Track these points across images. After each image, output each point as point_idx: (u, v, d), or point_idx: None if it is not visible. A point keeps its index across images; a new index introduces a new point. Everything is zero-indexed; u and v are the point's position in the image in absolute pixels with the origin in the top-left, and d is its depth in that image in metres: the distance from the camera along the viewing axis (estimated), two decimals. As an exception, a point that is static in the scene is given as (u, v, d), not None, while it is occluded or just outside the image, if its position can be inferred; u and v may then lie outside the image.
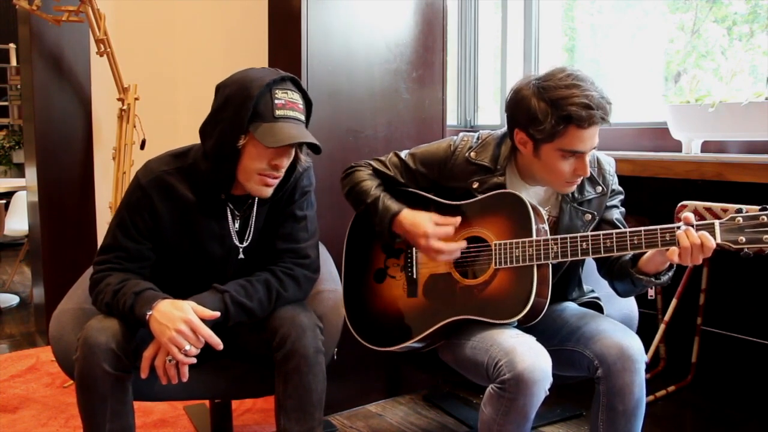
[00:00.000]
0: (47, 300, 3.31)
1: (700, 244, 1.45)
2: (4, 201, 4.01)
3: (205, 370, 1.66)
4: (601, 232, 1.57)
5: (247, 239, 1.75)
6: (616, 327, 1.66)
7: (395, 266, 1.87)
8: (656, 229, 1.50)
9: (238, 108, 1.55)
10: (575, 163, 1.62)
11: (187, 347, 1.52)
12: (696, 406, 2.53)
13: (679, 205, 2.27)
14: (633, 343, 1.59)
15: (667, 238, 1.49)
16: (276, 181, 1.65)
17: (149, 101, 3.05)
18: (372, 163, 1.91)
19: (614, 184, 1.79)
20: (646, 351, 1.66)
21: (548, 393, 1.53)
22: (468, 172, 1.77)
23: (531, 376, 1.49)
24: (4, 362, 3.03)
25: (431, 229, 1.72)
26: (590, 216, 1.74)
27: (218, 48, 3.02)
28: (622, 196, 1.82)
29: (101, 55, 2.94)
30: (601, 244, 1.56)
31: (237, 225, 1.73)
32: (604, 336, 1.62)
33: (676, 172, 2.31)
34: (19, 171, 6.11)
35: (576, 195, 1.75)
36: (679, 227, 1.48)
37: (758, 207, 1.45)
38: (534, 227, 1.63)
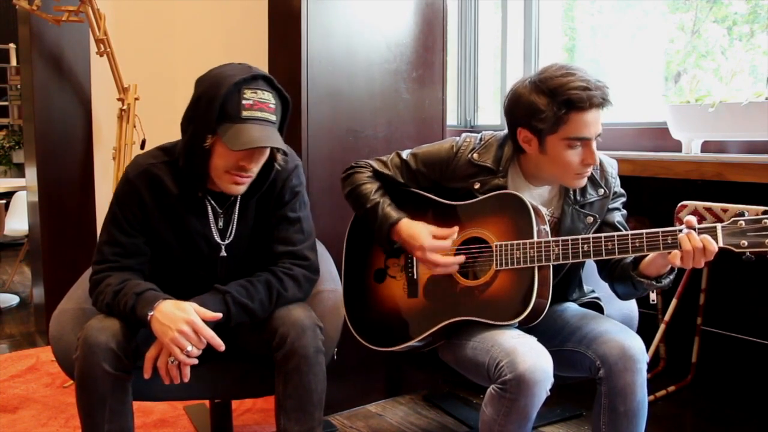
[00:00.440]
0: (47, 300, 3.31)
1: (702, 247, 1.44)
2: (4, 201, 4.01)
3: (205, 370, 1.66)
4: (603, 235, 1.57)
5: (229, 237, 1.74)
6: (617, 327, 1.66)
7: (395, 266, 1.87)
8: (658, 232, 1.50)
9: (206, 107, 1.54)
10: (582, 152, 1.62)
11: (189, 348, 1.52)
12: (696, 406, 2.53)
13: (679, 205, 2.27)
14: (634, 344, 1.59)
15: (669, 241, 1.48)
16: (247, 180, 1.63)
17: (149, 101, 3.04)
18: (372, 163, 1.91)
19: (616, 186, 1.79)
20: (647, 351, 1.66)
21: (549, 393, 1.53)
22: (470, 173, 1.77)
23: (532, 376, 1.49)
24: (4, 362, 3.03)
25: (428, 242, 1.71)
26: (592, 219, 1.74)
27: (218, 48, 3.02)
28: (624, 199, 1.81)
29: (101, 55, 2.94)
30: (603, 247, 1.55)
31: (221, 223, 1.73)
32: (606, 336, 1.62)
33: (676, 172, 2.31)
34: (19, 171, 6.11)
35: (578, 197, 1.74)
36: (681, 230, 1.47)
37: (760, 209, 1.45)
38: (535, 228, 1.63)
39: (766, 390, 2.46)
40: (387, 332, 1.82)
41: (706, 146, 2.48)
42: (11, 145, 6.31)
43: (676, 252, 1.46)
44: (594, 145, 1.62)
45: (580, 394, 2.48)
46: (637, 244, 1.52)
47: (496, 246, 1.67)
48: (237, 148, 1.52)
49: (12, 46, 6.17)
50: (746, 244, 1.43)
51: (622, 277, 1.69)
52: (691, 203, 2.22)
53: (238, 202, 1.73)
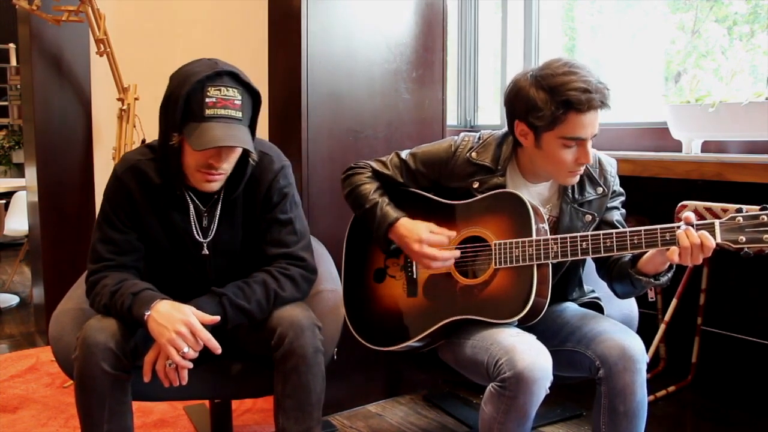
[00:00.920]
0: (47, 300, 3.31)
1: (700, 243, 1.44)
2: (4, 201, 4.01)
3: (205, 370, 1.66)
4: (601, 232, 1.57)
5: (210, 235, 1.73)
6: (617, 327, 1.66)
7: (395, 266, 1.87)
8: (656, 229, 1.50)
9: (173, 106, 1.55)
10: (577, 151, 1.62)
11: (186, 349, 1.52)
12: (696, 406, 2.53)
13: (679, 205, 2.26)
14: (634, 344, 1.59)
15: (667, 238, 1.48)
16: (219, 177, 1.62)
17: (149, 101, 3.04)
18: (372, 164, 1.91)
19: (615, 185, 1.79)
20: (647, 351, 1.66)
21: (548, 392, 1.53)
22: (469, 172, 1.77)
23: (531, 374, 1.49)
24: (4, 362, 3.03)
25: (426, 235, 1.72)
26: (590, 217, 1.74)
27: (218, 48, 3.01)
28: (623, 198, 1.81)
29: (101, 55, 2.94)
30: (601, 244, 1.56)
31: (204, 221, 1.72)
32: (605, 336, 1.61)
33: (676, 172, 2.31)
34: (19, 171, 6.11)
35: (576, 196, 1.74)
36: (679, 227, 1.47)
37: (758, 207, 1.45)
38: (534, 227, 1.63)
39: (766, 390, 2.46)
40: (386, 332, 1.82)
41: (706, 146, 2.48)
42: (11, 145, 6.31)
43: (674, 248, 1.46)
44: (589, 144, 1.63)
45: (580, 394, 2.48)
46: (636, 241, 1.52)
47: (495, 245, 1.67)
48: (198, 148, 1.51)
49: (12, 46, 6.17)
50: (744, 240, 1.43)
51: (620, 275, 1.69)
52: (691, 203, 2.22)
53: (220, 201, 1.72)
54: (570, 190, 1.74)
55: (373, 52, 2.43)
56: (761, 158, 2.14)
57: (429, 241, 1.71)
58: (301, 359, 1.60)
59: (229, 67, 1.58)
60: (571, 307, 1.83)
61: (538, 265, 1.61)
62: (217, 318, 1.57)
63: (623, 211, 1.81)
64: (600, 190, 1.76)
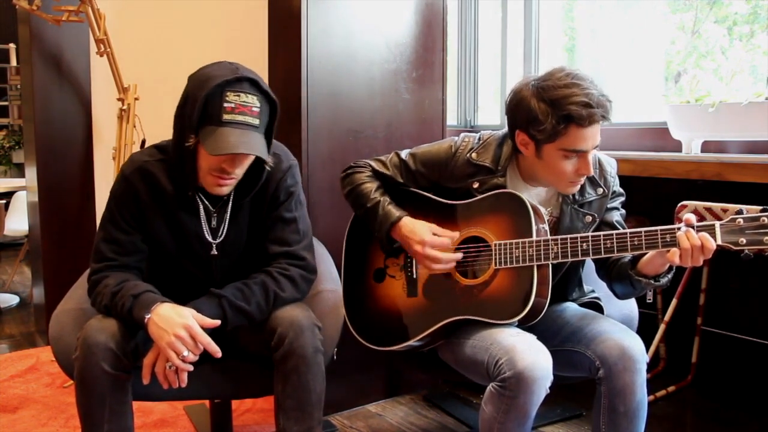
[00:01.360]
0: (47, 300, 3.31)
1: (700, 245, 1.44)
2: (4, 201, 4.01)
3: (205, 370, 1.66)
4: (602, 233, 1.57)
5: (221, 236, 1.74)
6: (616, 327, 1.66)
7: (395, 266, 1.87)
8: (656, 230, 1.50)
9: (191, 108, 1.54)
10: (578, 162, 1.62)
11: (185, 353, 1.52)
12: (696, 406, 2.53)
13: (679, 205, 2.26)
14: (634, 344, 1.59)
15: (668, 239, 1.48)
16: (230, 182, 1.63)
17: (149, 101, 3.04)
18: (372, 163, 1.91)
19: (615, 185, 1.79)
20: (647, 351, 1.66)
21: (549, 391, 1.53)
22: (469, 173, 1.77)
23: (531, 374, 1.49)
24: (4, 362, 3.03)
25: (428, 237, 1.72)
26: (591, 218, 1.74)
27: (218, 48, 3.02)
28: (623, 198, 1.81)
29: (101, 55, 2.94)
30: (602, 245, 1.56)
31: (214, 222, 1.72)
32: (605, 336, 1.62)
33: (676, 172, 2.31)
34: (19, 171, 6.11)
35: (577, 197, 1.74)
36: (679, 228, 1.47)
37: (759, 208, 1.45)
38: (534, 227, 1.63)
39: (766, 390, 2.46)
40: (386, 332, 1.82)
41: (706, 146, 2.48)
42: (11, 145, 6.31)
43: (674, 250, 1.46)
44: (590, 156, 1.62)
45: (580, 394, 2.48)
46: (636, 243, 1.52)
47: (495, 245, 1.67)
48: (213, 152, 1.51)
49: (12, 46, 6.17)
50: (744, 241, 1.43)
51: (620, 276, 1.69)
52: (691, 203, 2.22)
53: (230, 202, 1.73)
54: (570, 191, 1.75)
55: (373, 52, 2.43)
56: (761, 158, 2.14)
57: (432, 243, 1.71)
58: (301, 359, 1.60)
59: (250, 74, 1.57)
60: (571, 307, 1.83)
61: (538, 266, 1.61)
62: (218, 322, 1.57)
63: (623, 211, 1.81)
64: (600, 190, 1.76)
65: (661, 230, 1.50)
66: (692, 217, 1.48)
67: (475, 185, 1.76)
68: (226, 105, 1.52)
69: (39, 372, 2.91)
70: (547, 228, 1.68)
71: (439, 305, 1.74)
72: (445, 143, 1.85)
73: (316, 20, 2.29)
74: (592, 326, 1.67)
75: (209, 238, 1.72)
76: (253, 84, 1.57)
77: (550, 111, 1.57)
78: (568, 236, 1.59)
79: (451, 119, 3.49)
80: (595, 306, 1.86)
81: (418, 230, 1.74)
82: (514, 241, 1.64)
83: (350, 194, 1.89)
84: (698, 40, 2.90)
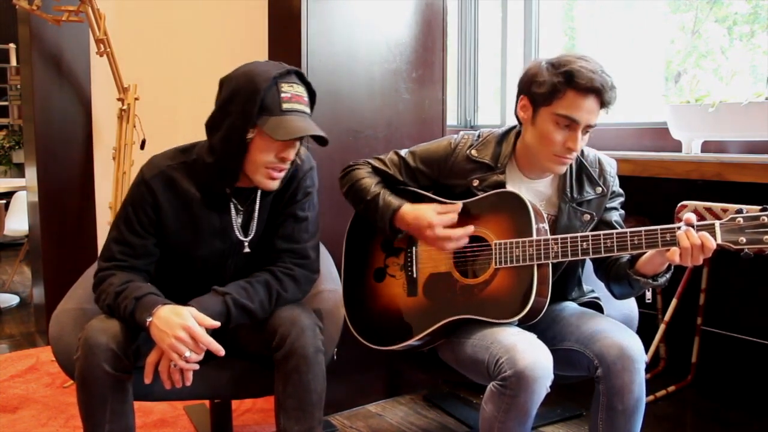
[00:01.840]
0: (47, 300, 3.31)
1: (700, 244, 1.45)
2: (4, 201, 4.01)
3: (205, 370, 1.66)
4: (602, 232, 1.57)
5: (251, 233, 1.75)
6: (616, 327, 1.66)
7: (395, 265, 1.87)
8: (657, 230, 1.50)
9: (245, 101, 1.56)
10: (567, 134, 1.62)
11: (188, 354, 1.52)
12: (696, 406, 2.54)
13: (679, 205, 2.26)
14: (633, 343, 1.59)
15: (668, 239, 1.49)
16: (282, 174, 1.66)
17: (149, 101, 3.05)
18: (371, 161, 1.91)
19: (615, 185, 1.79)
20: (646, 351, 1.66)
21: (549, 390, 1.53)
22: (468, 170, 1.78)
23: (532, 373, 1.49)
24: (4, 362, 3.03)
25: (436, 218, 1.72)
26: (589, 216, 1.74)
27: (218, 48, 3.02)
28: (622, 199, 1.82)
29: (101, 55, 2.94)
30: (602, 244, 1.56)
31: (240, 219, 1.73)
32: (604, 336, 1.62)
33: (676, 172, 2.31)
34: (19, 171, 6.11)
35: (575, 195, 1.75)
36: (679, 227, 1.48)
37: (758, 207, 1.45)
38: (534, 227, 1.63)
39: (766, 390, 2.46)
40: (386, 331, 1.82)
41: (706, 146, 2.48)
42: (11, 145, 6.31)
43: (674, 249, 1.47)
44: (580, 133, 1.62)
45: (580, 394, 2.48)
46: (636, 242, 1.52)
47: (495, 244, 1.67)
48: (285, 137, 1.56)
49: (12, 46, 6.17)
50: (744, 240, 1.43)
51: (618, 276, 1.69)
52: (691, 203, 2.22)
53: (258, 199, 1.74)
54: (569, 189, 1.75)
55: (373, 52, 2.43)
56: (761, 158, 2.15)
57: (441, 222, 1.71)
58: (302, 359, 1.60)
59: (293, 67, 1.64)
60: (570, 307, 1.83)
61: (538, 265, 1.61)
62: (218, 324, 1.57)
63: (622, 212, 1.81)
64: (599, 189, 1.76)
65: (661, 229, 1.50)
66: (692, 217, 1.48)
67: (475, 183, 1.76)
68: (283, 95, 1.58)
69: (39, 372, 2.91)
70: (547, 227, 1.68)
71: (440, 304, 1.74)
72: (443, 141, 1.85)
73: (316, 20, 2.29)
74: (592, 325, 1.67)
75: (240, 236, 1.73)
76: (299, 75, 1.64)
77: (553, 70, 1.61)
78: (568, 235, 1.60)
79: (451, 119, 3.49)
80: (595, 306, 1.86)
81: (422, 214, 1.74)
82: (514, 240, 1.64)
83: (349, 191, 1.89)
84: (698, 40, 2.90)
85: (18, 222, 4.37)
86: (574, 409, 2.45)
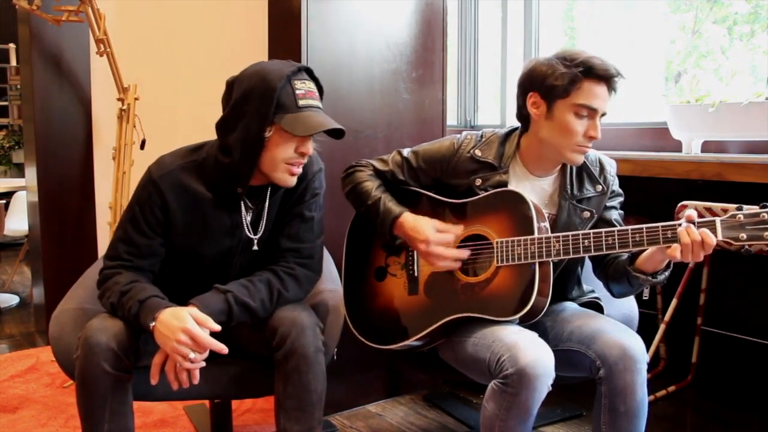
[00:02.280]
0: (47, 300, 3.31)
1: (700, 240, 1.46)
2: (4, 201, 4.01)
3: (205, 370, 1.66)
4: (603, 230, 1.57)
5: (261, 230, 1.75)
6: (617, 327, 1.66)
7: (396, 264, 1.87)
8: (658, 227, 1.51)
9: (261, 100, 1.57)
10: (588, 123, 1.65)
11: (192, 355, 1.52)
12: (696, 406, 2.53)
13: (680, 205, 2.26)
14: (634, 343, 1.59)
15: (669, 236, 1.49)
16: (300, 169, 1.68)
17: (149, 101, 3.05)
18: (373, 162, 1.92)
19: (615, 185, 1.80)
20: (647, 351, 1.66)
21: (551, 389, 1.53)
22: (471, 170, 1.78)
23: (534, 371, 1.49)
24: (4, 362, 3.03)
25: (432, 235, 1.72)
26: (588, 213, 1.75)
27: (218, 48, 3.02)
28: (621, 199, 1.82)
29: (101, 55, 2.94)
30: (603, 242, 1.56)
31: (250, 217, 1.73)
32: (606, 336, 1.62)
33: (676, 172, 2.31)
34: (19, 171, 6.11)
35: (575, 192, 1.75)
36: (680, 224, 1.48)
37: (758, 205, 1.46)
38: (536, 225, 1.64)
39: (766, 390, 2.46)
40: (387, 330, 1.82)
41: (706, 146, 2.48)
42: (11, 145, 6.31)
43: (675, 246, 1.48)
44: (599, 121, 1.66)
45: (580, 394, 2.48)
46: (638, 239, 1.53)
47: (496, 243, 1.68)
48: (306, 132, 1.59)
49: (12, 46, 6.17)
50: (745, 237, 1.44)
51: (617, 274, 1.70)
52: (691, 203, 2.22)
53: (267, 198, 1.74)
54: (569, 187, 1.75)
55: (373, 52, 2.43)
56: (761, 158, 2.15)
57: (437, 241, 1.72)
58: (302, 359, 1.60)
59: (302, 64, 1.68)
60: (570, 307, 1.83)
61: (539, 263, 1.62)
62: (219, 328, 1.57)
63: (621, 212, 1.82)
64: (599, 188, 1.77)
65: (662, 226, 1.50)
66: (693, 213, 1.49)
67: (478, 182, 1.77)
68: (297, 92, 1.61)
69: (39, 372, 2.91)
70: (548, 226, 1.68)
71: (441, 303, 1.74)
72: (446, 141, 1.86)
73: (316, 20, 2.29)
74: (592, 326, 1.67)
75: (250, 234, 1.73)
76: (308, 72, 1.68)
77: (567, 64, 1.63)
78: (570, 233, 1.60)
79: (451, 119, 3.49)
80: (595, 306, 1.86)
81: (420, 228, 1.74)
82: (515, 238, 1.65)
83: (351, 193, 1.89)
84: (698, 40, 2.90)
85: (18, 222, 4.37)
86: (574, 409, 2.45)
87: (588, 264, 1.92)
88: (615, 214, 1.79)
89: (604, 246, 1.56)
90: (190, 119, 3.10)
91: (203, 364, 1.55)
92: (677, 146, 2.50)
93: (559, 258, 1.61)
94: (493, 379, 1.56)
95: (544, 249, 1.61)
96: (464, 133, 1.86)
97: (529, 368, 1.48)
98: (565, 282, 1.84)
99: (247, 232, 1.73)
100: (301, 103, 1.60)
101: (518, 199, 1.68)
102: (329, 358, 1.75)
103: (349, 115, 2.40)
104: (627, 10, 3.12)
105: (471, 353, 1.64)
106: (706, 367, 2.61)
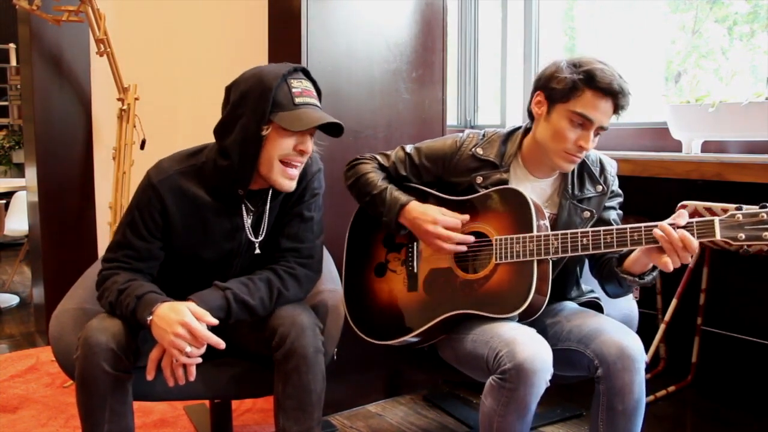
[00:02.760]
0: (47, 300, 3.31)
1: (681, 243, 1.46)
2: (4, 201, 4.01)
3: (205, 369, 1.66)
4: (602, 228, 1.58)
5: (262, 234, 1.75)
6: (615, 326, 1.66)
7: (396, 260, 1.87)
8: (656, 226, 1.51)
9: (257, 100, 1.58)
10: (580, 133, 1.64)
11: (188, 349, 1.52)
12: (696, 406, 2.53)
13: (679, 205, 2.26)
14: (633, 343, 1.59)
15: None
16: (298, 171, 1.68)
17: (149, 101, 3.05)
18: (377, 156, 1.93)
19: (615, 185, 1.81)
20: (646, 351, 1.66)
21: (549, 384, 1.53)
22: (472, 168, 1.79)
23: (532, 366, 1.49)
24: (4, 362, 3.03)
25: (440, 217, 1.74)
26: (589, 213, 1.75)
27: (218, 48, 3.02)
28: (621, 199, 1.83)
29: (101, 55, 2.94)
30: (602, 240, 1.57)
31: (251, 220, 1.73)
32: (604, 335, 1.62)
33: (676, 172, 2.31)
34: (19, 171, 6.11)
35: (576, 192, 1.76)
36: (673, 224, 1.49)
37: (758, 205, 1.46)
38: (535, 223, 1.64)
39: (766, 390, 2.46)
40: (387, 326, 1.83)
41: (706, 146, 2.48)
42: (11, 145, 6.31)
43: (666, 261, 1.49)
44: (592, 134, 1.65)
45: (579, 394, 2.48)
46: (636, 237, 1.53)
47: (495, 240, 1.68)
48: (302, 127, 1.59)
49: (12, 46, 6.17)
50: (744, 237, 1.44)
51: (609, 274, 1.71)
52: (691, 203, 2.22)
53: (269, 200, 1.74)
54: (570, 186, 1.76)
55: (373, 52, 2.43)
56: (761, 158, 2.15)
57: (444, 222, 1.73)
58: (302, 359, 1.60)
59: (298, 65, 1.68)
60: (569, 306, 1.84)
61: (538, 261, 1.62)
62: (216, 321, 1.57)
63: (620, 212, 1.83)
64: (600, 188, 1.77)
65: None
66: (684, 213, 1.49)
67: (479, 180, 1.78)
68: (294, 90, 1.61)
69: (39, 372, 2.91)
70: (547, 224, 1.69)
71: (440, 300, 1.75)
72: (449, 138, 1.87)
73: (316, 20, 2.29)
74: (591, 325, 1.68)
75: (252, 237, 1.73)
76: (305, 72, 1.68)
77: (573, 69, 1.64)
78: (569, 231, 1.61)
79: (451, 119, 3.50)
80: (595, 306, 1.86)
81: (429, 211, 1.76)
82: (514, 236, 1.65)
83: (355, 183, 1.90)
84: (698, 40, 2.90)
85: (18, 222, 4.36)
86: (573, 409, 2.45)
87: (587, 264, 1.93)
88: (614, 215, 1.80)
89: (602, 244, 1.57)
90: (190, 119, 3.10)
91: (200, 360, 1.55)
92: (677, 146, 2.50)
93: (558, 256, 1.62)
94: (492, 374, 1.56)
95: (542, 247, 1.61)
96: (467, 131, 1.87)
97: (527, 363, 1.49)
98: (565, 281, 1.84)
99: (248, 235, 1.73)
100: (297, 100, 1.60)
101: (518, 197, 1.68)
102: (329, 358, 1.75)
103: (349, 115, 2.40)
104: (627, 10, 3.12)
105: (470, 350, 1.65)
106: (706, 367, 2.61)
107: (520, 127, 1.83)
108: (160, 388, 1.60)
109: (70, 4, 2.89)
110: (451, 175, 1.83)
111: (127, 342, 1.57)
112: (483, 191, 1.76)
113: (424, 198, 1.85)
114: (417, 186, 1.88)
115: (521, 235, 1.64)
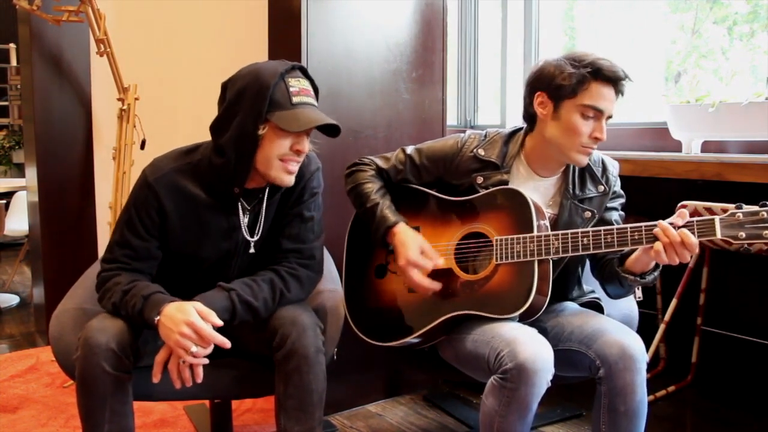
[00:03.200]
0: (47, 300, 3.31)
1: (680, 241, 1.46)
2: (4, 201, 4.01)
3: (205, 370, 1.66)
4: (602, 228, 1.58)
5: (258, 233, 1.75)
6: (617, 327, 1.66)
7: (396, 262, 1.87)
8: (657, 225, 1.51)
9: (254, 99, 1.57)
10: (593, 124, 1.66)
11: (194, 349, 1.52)
12: (696, 406, 2.54)
13: (679, 205, 2.26)
14: (634, 343, 1.59)
15: None
16: (297, 168, 1.67)
17: (149, 101, 3.05)
18: (376, 160, 1.93)
19: (616, 186, 1.81)
20: (647, 351, 1.66)
21: (550, 385, 1.53)
22: (474, 168, 1.80)
23: (533, 365, 1.49)
24: (4, 362, 3.03)
25: (413, 257, 1.73)
26: (590, 213, 1.75)
27: (218, 48, 3.02)
28: (622, 200, 1.83)
29: (101, 55, 2.94)
30: (602, 240, 1.57)
31: (247, 219, 1.73)
32: (605, 335, 1.62)
33: (676, 172, 2.31)
34: (19, 171, 6.11)
35: (577, 192, 1.76)
36: (672, 224, 1.49)
37: (758, 204, 1.46)
38: (535, 223, 1.64)
39: (766, 390, 2.46)
40: (387, 327, 1.83)
41: (706, 146, 2.48)
42: (11, 145, 6.31)
43: (659, 249, 1.49)
44: (604, 122, 1.67)
45: (580, 394, 2.48)
46: (636, 237, 1.54)
47: (496, 240, 1.68)
48: (299, 128, 1.58)
49: (12, 46, 6.17)
50: (744, 235, 1.44)
51: (610, 275, 1.71)
52: (691, 203, 2.22)
53: (265, 199, 1.74)
54: (571, 186, 1.76)
55: (373, 52, 2.43)
56: (761, 158, 2.15)
57: (415, 263, 1.73)
58: (303, 359, 1.60)
59: (296, 63, 1.66)
60: (570, 307, 1.84)
61: (538, 261, 1.62)
62: (221, 322, 1.57)
63: (622, 213, 1.83)
64: (601, 188, 1.77)
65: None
66: (684, 212, 1.49)
67: (479, 180, 1.78)
68: (291, 89, 1.60)
69: (39, 372, 2.91)
70: (548, 224, 1.69)
71: (440, 301, 1.75)
72: (451, 139, 1.87)
73: (316, 20, 2.29)
74: (592, 325, 1.68)
75: (248, 237, 1.73)
76: (302, 70, 1.66)
77: (576, 65, 1.65)
78: (569, 231, 1.61)
79: (451, 119, 3.49)
80: (596, 306, 1.86)
81: (408, 244, 1.75)
82: (515, 236, 1.65)
83: (352, 191, 1.91)
84: (698, 40, 2.90)
85: (18, 222, 4.36)
86: (574, 409, 2.45)
87: (588, 264, 1.93)
88: (615, 215, 1.80)
89: (603, 244, 1.57)
90: (190, 119, 3.10)
91: (206, 360, 1.54)
92: (677, 146, 2.50)
93: (558, 256, 1.62)
94: (493, 374, 1.56)
95: (543, 247, 1.62)
96: (468, 132, 1.87)
97: (528, 363, 1.49)
98: (566, 282, 1.84)
99: (244, 234, 1.73)
100: (295, 100, 1.59)
101: (518, 197, 1.68)
102: (329, 358, 1.75)
103: (349, 115, 2.40)
104: (627, 10, 3.12)
105: (470, 350, 1.65)
106: (706, 367, 2.61)
107: (522, 127, 1.83)
108: (161, 388, 1.60)
109: (70, 4, 2.89)
110: (452, 176, 1.83)
111: (127, 342, 1.57)
112: (483, 191, 1.76)
113: (424, 199, 1.85)
114: (418, 188, 1.88)
115: (522, 236, 1.64)
